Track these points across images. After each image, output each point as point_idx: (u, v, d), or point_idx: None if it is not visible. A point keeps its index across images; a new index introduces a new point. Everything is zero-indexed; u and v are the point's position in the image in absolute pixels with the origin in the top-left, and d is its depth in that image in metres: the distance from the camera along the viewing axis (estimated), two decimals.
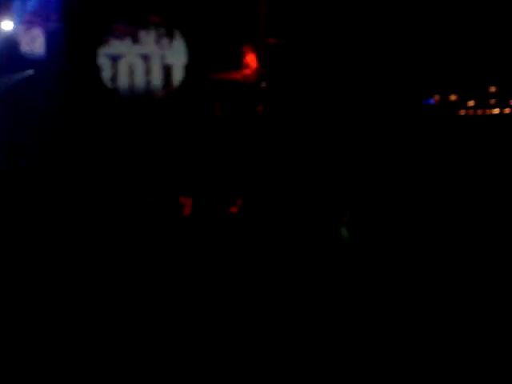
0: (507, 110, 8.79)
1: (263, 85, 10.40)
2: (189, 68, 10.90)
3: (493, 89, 9.09)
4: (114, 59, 10.95)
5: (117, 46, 10.98)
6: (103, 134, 10.27)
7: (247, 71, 10.36)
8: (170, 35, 11.06)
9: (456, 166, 8.48)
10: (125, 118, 10.46)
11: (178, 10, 10.74)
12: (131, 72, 10.94)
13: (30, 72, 10.37)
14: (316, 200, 8.21)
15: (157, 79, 10.99)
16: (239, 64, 10.35)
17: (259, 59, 10.69)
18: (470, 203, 8.04)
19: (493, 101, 9.02)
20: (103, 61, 10.91)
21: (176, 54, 11.04)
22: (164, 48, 11.06)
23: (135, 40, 11.00)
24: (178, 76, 10.99)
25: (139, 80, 11.01)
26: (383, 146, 8.98)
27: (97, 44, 10.87)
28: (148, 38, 11.01)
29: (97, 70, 10.84)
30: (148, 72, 11.01)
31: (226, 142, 9.87)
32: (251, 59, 10.36)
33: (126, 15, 10.89)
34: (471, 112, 9.00)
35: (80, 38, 10.52)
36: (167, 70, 11.01)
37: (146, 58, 11.01)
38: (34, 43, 10.38)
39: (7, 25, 10.02)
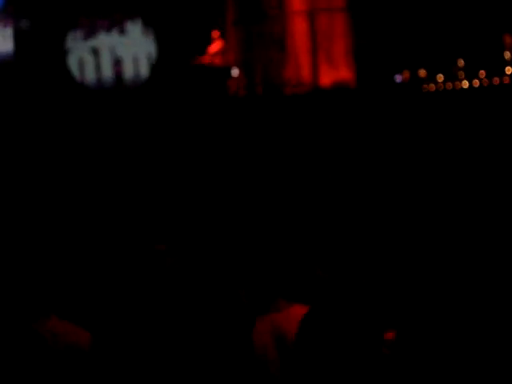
0: (476, 83, 8.83)
1: (235, 70, 10.41)
2: (157, 57, 10.86)
3: (461, 62, 9.14)
4: (82, 53, 10.87)
5: (84, 40, 10.92)
6: (73, 131, 10.15)
7: (216, 56, 10.43)
8: (138, 25, 11.04)
9: (427, 140, 8.49)
10: (96, 112, 10.36)
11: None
12: (99, 65, 10.89)
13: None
14: None
15: (126, 70, 10.96)
16: (208, 50, 10.34)
17: (232, 45, 10.81)
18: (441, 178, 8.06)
19: (461, 74, 9.08)
20: (71, 55, 10.84)
21: (143, 44, 11.02)
22: (131, 38, 11.04)
23: (102, 32, 10.98)
24: (146, 66, 10.97)
25: (107, 72, 10.95)
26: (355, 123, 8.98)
27: (63, 39, 10.77)
28: (115, 29, 10.97)
29: (65, 64, 10.75)
30: (116, 64, 10.97)
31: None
32: (220, 45, 10.39)
33: (90, 9, 10.81)
34: (441, 86, 9.04)
35: (48, 35, 10.42)
36: (136, 61, 10.99)
37: (113, 50, 10.97)
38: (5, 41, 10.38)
39: None
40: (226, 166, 9.19)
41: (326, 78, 10.78)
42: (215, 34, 10.47)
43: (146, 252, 3.66)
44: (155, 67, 10.85)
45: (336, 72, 10.70)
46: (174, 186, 9.08)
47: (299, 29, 10.78)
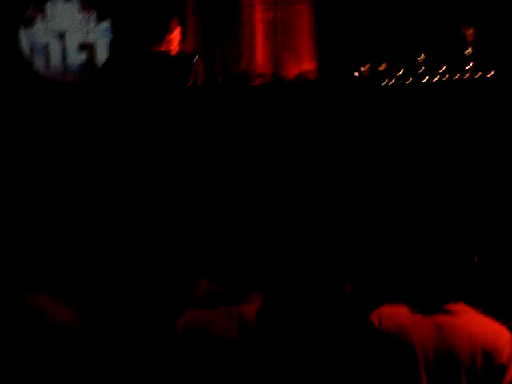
0: (436, 78, 8.76)
1: (195, 58, 10.27)
2: (114, 44, 10.53)
3: (422, 56, 9.05)
4: (34, 39, 10.50)
5: (34, 26, 10.52)
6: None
7: (174, 45, 10.26)
8: (93, 11, 10.64)
9: (387, 135, 8.43)
10: (50, 103, 10.08)
11: None
12: (51, 53, 10.53)
13: None
14: None
15: (79, 58, 10.59)
16: (166, 38, 10.20)
17: (191, 34, 10.61)
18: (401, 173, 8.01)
19: (422, 69, 8.99)
20: (23, 43, 10.47)
21: (99, 31, 10.64)
22: (86, 25, 10.63)
23: (54, 18, 10.57)
24: (102, 54, 10.60)
25: (60, 61, 10.57)
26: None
27: (14, 25, 10.39)
28: (69, 15, 10.57)
29: (17, 52, 10.38)
30: (67, 51, 10.60)
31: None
32: (178, 33, 10.27)
33: None
34: (401, 81, 8.95)
35: None
36: (90, 48, 10.62)
37: (62, 37, 10.60)
38: None
39: None
40: (192, 157, 9.07)
41: (288, 70, 10.66)
42: (174, 23, 10.32)
43: (124, 233, 3.85)
44: (111, 55, 10.67)
45: (298, 64, 10.59)
46: (138, 175, 8.95)
47: (259, 19, 10.64)
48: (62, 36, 10.51)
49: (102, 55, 10.55)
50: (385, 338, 2.65)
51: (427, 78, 8.78)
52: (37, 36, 10.47)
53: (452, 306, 2.65)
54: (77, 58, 10.47)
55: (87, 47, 10.49)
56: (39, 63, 10.52)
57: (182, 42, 10.31)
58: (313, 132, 8.90)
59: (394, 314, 2.71)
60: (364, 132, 8.46)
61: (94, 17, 10.52)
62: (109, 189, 8.60)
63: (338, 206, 7.78)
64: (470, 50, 9.17)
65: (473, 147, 7.86)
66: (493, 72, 8.57)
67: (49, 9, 10.53)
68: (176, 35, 10.21)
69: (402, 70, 8.91)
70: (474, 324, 2.62)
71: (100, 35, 10.53)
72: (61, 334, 2.63)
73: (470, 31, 9.46)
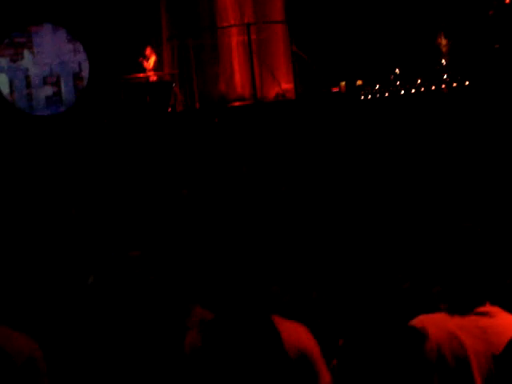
0: (413, 91, 8.83)
1: (173, 85, 10.29)
2: (92, 73, 10.66)
3: (397, 71, 9.13)
4: (8, 71, 10.54)
5: (9, 57, 10.56)
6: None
7: (151, 72, 10.23)
8: (70, 41, 10.77)
9: (368, 148, 8.46)
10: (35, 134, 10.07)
11: (76, 14, 10.42)
12: (31, 84, 10.60)
13: None
14: None
15: (62, 88, 10.73)
16: (144, 66, 10.20)
17: (168, 60, 10.67)
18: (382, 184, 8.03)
19: (398, 82, 9.07)
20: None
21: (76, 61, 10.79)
22: (63, 55, 10.76)
23: (31, 48, 10.63)
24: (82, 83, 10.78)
25: (37, 92, 10.67)
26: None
27: None
28: (45, 45, 10.66)
29: None
30: (48, 82, 10.71)
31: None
32: (154, 60, 10.23)
33: (19, 22, 10.46)
34: (377, 95, 9.02)
35: None
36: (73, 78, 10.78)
37: (43, 67, 10.68)
38: None
39: None
40: (175, 179, 9.07)
41: (267, 90, 10.72)
42: (148, 50, 10.33)
43: (119, 258, 3.58)
44: (88, 85, 10.74)
45: (276, 84, 10.65)
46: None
47: (235, 42, 10.71)
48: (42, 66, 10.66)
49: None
50: (437, 348, 2.61)
51: (403, 90, 8.87)
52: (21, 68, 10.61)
53: (485, 308, 2.62)
54: (47, 91, 10.63)
55: (59, 80, 10.66)
56: (21, 96, 10.63)
57: (160, 68, 10.39)
58: (295, 148, 8.94)
59: (439, 322, 2.65)
60: (345, 145, 8.51)
61: (78, 48, 10.70)
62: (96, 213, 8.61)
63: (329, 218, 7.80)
64: (444, 61, 9.29)
65: (452, 156, 7.91)
66: (468, 82, 8.65)
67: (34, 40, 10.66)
68: (152, 62, 10.25)
69: (378, 85, 9.03)
70: (510, 324, 2.60)
71: (77, 65, 10.71)
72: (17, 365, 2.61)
73: (444, 42, 9.58)
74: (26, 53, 10.61)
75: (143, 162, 9.49)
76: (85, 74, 10.73)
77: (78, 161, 9.50)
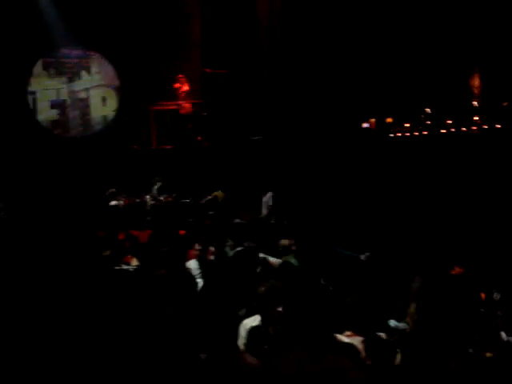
0: (443, 130, 8.77)
1: (202, 114, 10.34)
2: (122, 100, 10.76)
3: (428, 110, 9.08)
4: (42, 96, 10.64)
5: (44, 82, 10.69)
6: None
7: (183, 101, 10.29)
8: (100, 67, 10.88)
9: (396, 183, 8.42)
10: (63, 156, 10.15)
11: (108, 41, 10.50)
12: (62, 108, 10.74)
13: None
14: None
15: (90, 113, 10.83)
16: (174, 93, 10.29)
17: (197, 89, 10.70)
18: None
19: (428, 122, 9.01)
20: (32, 98, 10.60)
21: (106, 87, 10.91)
22: (95, 81, 10.88)
23: (64, 74, 10.77)
24: (110, 109, 10.85)
25: (71, 115, 10.77)
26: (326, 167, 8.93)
27: (24, 81, 10.53)
28: (78, 71, 10.81)
29: (27, 108, 10.52)
30: (78, 107, 10.81)
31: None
32: (185, 89, 10.29)
33: (54, 49, 10.60)
34: (407, 133, 8.97)
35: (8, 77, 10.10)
36: (101, 103, 10.88)
37: (76, 93, 10.82)
38: None
39: None
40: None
41: None
42: (180, 79, 10.29)
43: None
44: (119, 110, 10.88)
45: None
46: None
47: None
48: (75, 92, 10.78)
49: (110, 109, 10.85)
50: None
51: (434, 130, 8.81)
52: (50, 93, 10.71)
53: None
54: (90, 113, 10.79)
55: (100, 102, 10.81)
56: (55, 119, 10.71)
57: (189, 97, 10.42)
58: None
59: None
60: (368, 179, 8.48)
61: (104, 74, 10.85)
62: None
63: None
64: (476, 102, 9.21)
65: (479, 198, 7.83)
66: (499, 125, 8.56)
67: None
68: (184, 91, 10.28)
69: (409, 124, 9.00)
70: None
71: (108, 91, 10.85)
72: None
73: (477, 84, 9.51)
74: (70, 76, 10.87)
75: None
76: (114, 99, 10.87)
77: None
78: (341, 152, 8.95)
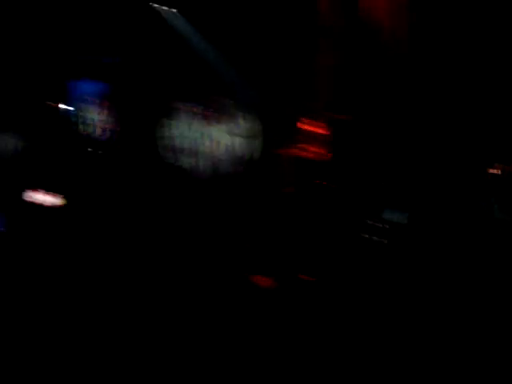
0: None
1: (333, 161, 10.32)
2: (253, 143, 10.86)
3: None
4: (178, 140, 10.99)
5: (180, 126, 11.07)
6: None
7: (317, 147, 10.43)
8: (231, 112, 11.06)
9: None
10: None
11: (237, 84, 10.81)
12: (196, 153, 10.93)
13: None
14: None
15: (223, 157, 11.01)
16: (308, 138, 10.45)
17: (327, 135, 10.62)
18: None
19: None
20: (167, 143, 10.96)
21: (240, 130, 11.11)
22: (227, 125, 11.07)
23: (199, 118, 11.02)
24: (244, 152, 10.99)
25: (206, 160, 11.08)
26: None
27: (157, 125, 10.84)
28: (210, 115, 11.00)
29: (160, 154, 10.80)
30: (212, 151, 10.99)
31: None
32: (321, 134, 10.43)
33: (188, 95, 10.82)
34: None
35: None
36: (232, 147, 11.00)
37: (209, 137, 11.04)
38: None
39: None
40: None
41: None
42: (304, 121, 10.48)
43: None
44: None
45: None
46: None
47: None
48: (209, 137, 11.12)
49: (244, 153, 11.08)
50: None
51: None
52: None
53: None
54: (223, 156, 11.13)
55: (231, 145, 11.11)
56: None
57: (323, 143, 10.34)
58: None
59: None
60: None
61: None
62: None
63: None
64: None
65: None
66: None
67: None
68: (318, 136, 10.28)
69: None
70: None
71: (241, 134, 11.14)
72: None
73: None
74: None
75: None
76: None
77: None
78: None
